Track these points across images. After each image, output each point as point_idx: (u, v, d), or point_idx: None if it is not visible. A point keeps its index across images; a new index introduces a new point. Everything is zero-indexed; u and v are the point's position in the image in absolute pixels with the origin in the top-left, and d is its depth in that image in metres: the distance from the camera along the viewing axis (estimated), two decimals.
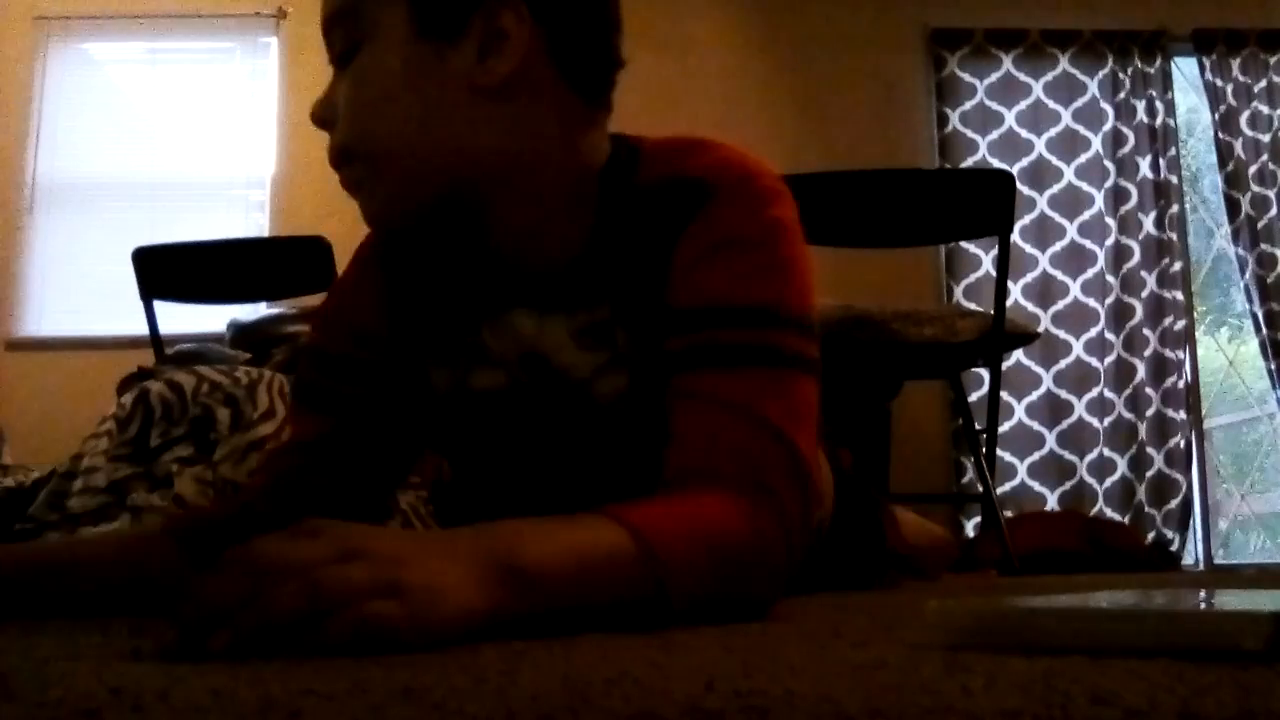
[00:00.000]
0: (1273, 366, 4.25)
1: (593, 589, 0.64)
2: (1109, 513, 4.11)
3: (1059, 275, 4.30)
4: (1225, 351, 4.76)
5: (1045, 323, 4.22)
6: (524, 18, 0.86)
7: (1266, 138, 4.40)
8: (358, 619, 0.52)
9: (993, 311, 2.49)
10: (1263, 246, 4.30)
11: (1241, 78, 4.42)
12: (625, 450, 0.90)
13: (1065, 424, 4.22)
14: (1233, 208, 4.35)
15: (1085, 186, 4.36)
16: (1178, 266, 4.30)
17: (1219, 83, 4.40)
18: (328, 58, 0.91)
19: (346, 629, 0.52)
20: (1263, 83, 4.44)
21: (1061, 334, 4.26)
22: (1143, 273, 4.28)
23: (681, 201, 0.88)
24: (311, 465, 1.02)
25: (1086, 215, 4.34)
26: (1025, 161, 4.35)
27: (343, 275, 1.06)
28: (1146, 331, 4.26)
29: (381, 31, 0.87)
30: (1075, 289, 4.30)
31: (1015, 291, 4.20)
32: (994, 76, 4.42)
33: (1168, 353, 4.23)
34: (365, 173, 0.89)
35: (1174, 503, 4.14)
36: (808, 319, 0.86)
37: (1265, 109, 4.42)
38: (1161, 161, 4.34)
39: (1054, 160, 4.37)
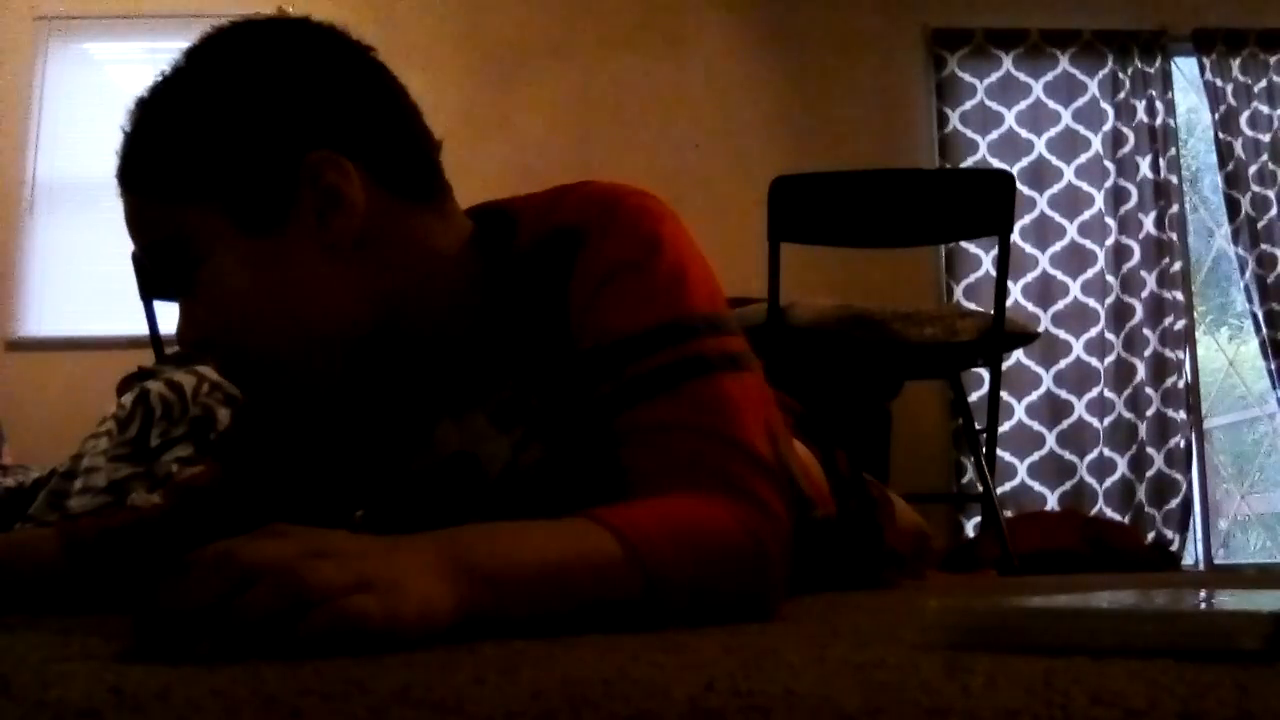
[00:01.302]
0: (1273, 366, 4.25)
1: (568, 587, 0.64)
2: (1109, 513, 4.11)
3: (1059, 275, 4.30)
4: (1225, 351, 4.76)
5: (1045, 323, 4.22)
6: (344, 167, 0.85)
7: (1266, 138, 4.39)
8: (336, 614, 0.52)
9: (993, 311, 2.49)
10: (1263, 246, 4.30)
11: (1241, 78, 4.42)
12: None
13: (1065, 424, 4.21)
14: (1233, 208, 4.35)
15: (1085, 186, 4.35)
16: (1178, 266, 4.30)
17: (1219, 83, 4.40)
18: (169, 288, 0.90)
19: (324, 624, 0.52)
20: (1263, 83, 4.44)
21: (1061, 334, 4.25)
22: (1143, 273, 4.28)
23: (558, 252, 0.88)
24: (210, 502, 1.06)
25: (1086, 215, 4.33)
26: (1025, 161, 4.35)
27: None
28: (1146, 331, 4.25)
29: (209, 245, 0.85)
30: (1075, 289, 4.29)
31: (1015, 291, 4.20)
32: (994, 76, 4.42)
33: (1168, 353, 4.23)
34: (270, 371, 0.88)
35: (1174, 503, 4.14)
36: (718, 316, 0.85)
37: (1265, 109, 4.42)
38: (1161, 161, 4.34)
39: (1054, 160, 4.37)
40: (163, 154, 0.85)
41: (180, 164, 0.85)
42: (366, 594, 0.53)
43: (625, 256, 0.85)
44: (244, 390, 0.95)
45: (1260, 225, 4.31)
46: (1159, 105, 4.38)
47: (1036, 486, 4.17)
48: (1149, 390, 4.22)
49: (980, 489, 2.77)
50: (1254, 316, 4.29)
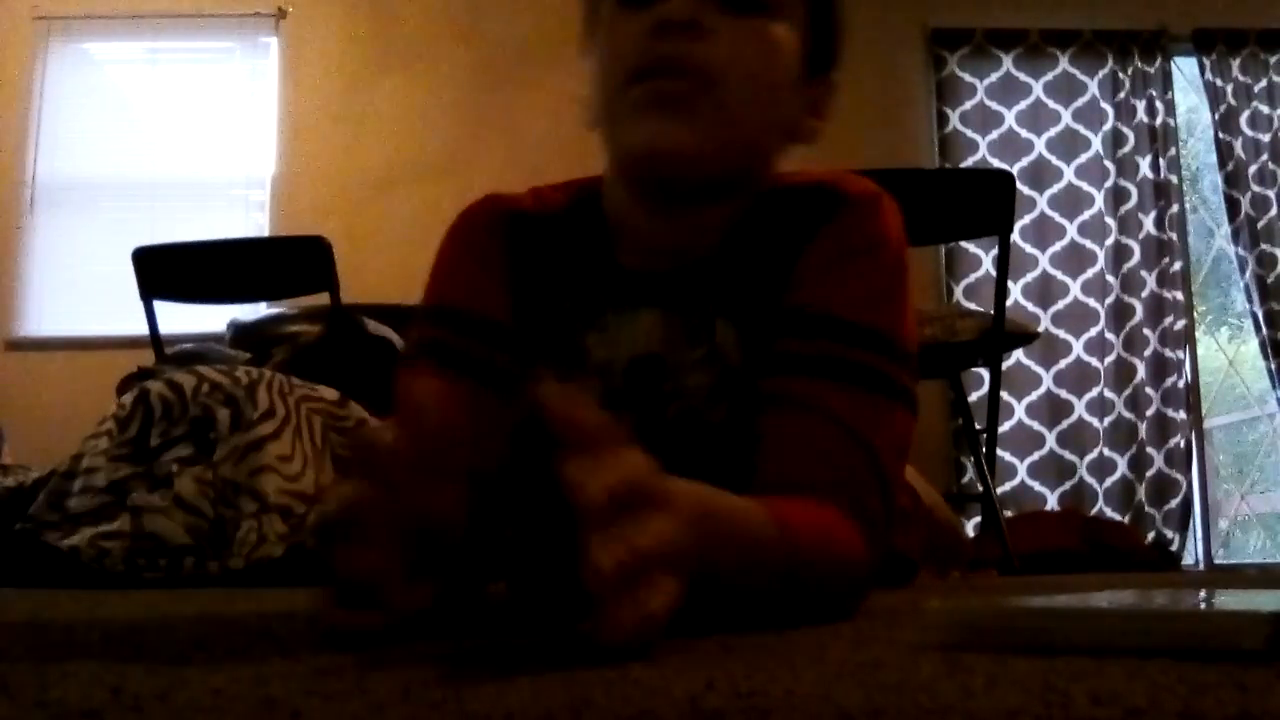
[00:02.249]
0: (1273, 366, 4.25)
1: (739, 590, 0.64)
2: (1109, 513, 4.11)
3: (1059, 275, 4.30)
4: (1225, 351, 4.76)
5: (1045, 323, 4.22)
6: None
7: (1266, 138, 4.40)
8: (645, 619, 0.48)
9: (993, 311, 2.49)
10: (1263, 246, 4.30)
11: (1241, 78, 4.42)
12: (714, 470, 0.89)
13: (1065, 424, 4.22)
14: (1233, 208, 4.35)
15: (1085, 186, 4.35)
16: (1178, 266, 4.30)
17: (1219, 82, 4.40)
18: None
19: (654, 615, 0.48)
20: (1263, 83, 4.44)
21: (1061, 334, 4.26)
22: (1143, 272, 4.28)
23: (812, 207, 0.88)
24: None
25: (1086, 215, 4.34)
26: (1025, 161, 4.35)
27: (453, 263, 0.95)
28: (1146, 331, 4.26)
29: (788, 22, 0.85)
30: (1075, 289, 4.29)
31: (1015, 291, 4.20)
32: (994, 76, 4.42)
33: (1168, 352, 4.23)
34: (712, 103, 0.82)
35: (1174, 503, 4.14)
36: (913, 355, 0.85)
37: (1265, 109, 4.42)
38: (1161, 161, 4.34)
39: (1054, 160, 4.37)
40: None
41: None
42: (656, 591, 0.49)
43: (876, 246, 0.85)
44: (654, 93, 0.82)
45: (1260, 225, 4.31)
46: (1159, 105, 4.38)
47: (1036, 486, 4.17)
48: (1149, 390, 4.22)
49: (980, 489, 2.77)
50: (1254, 316, 4.29)
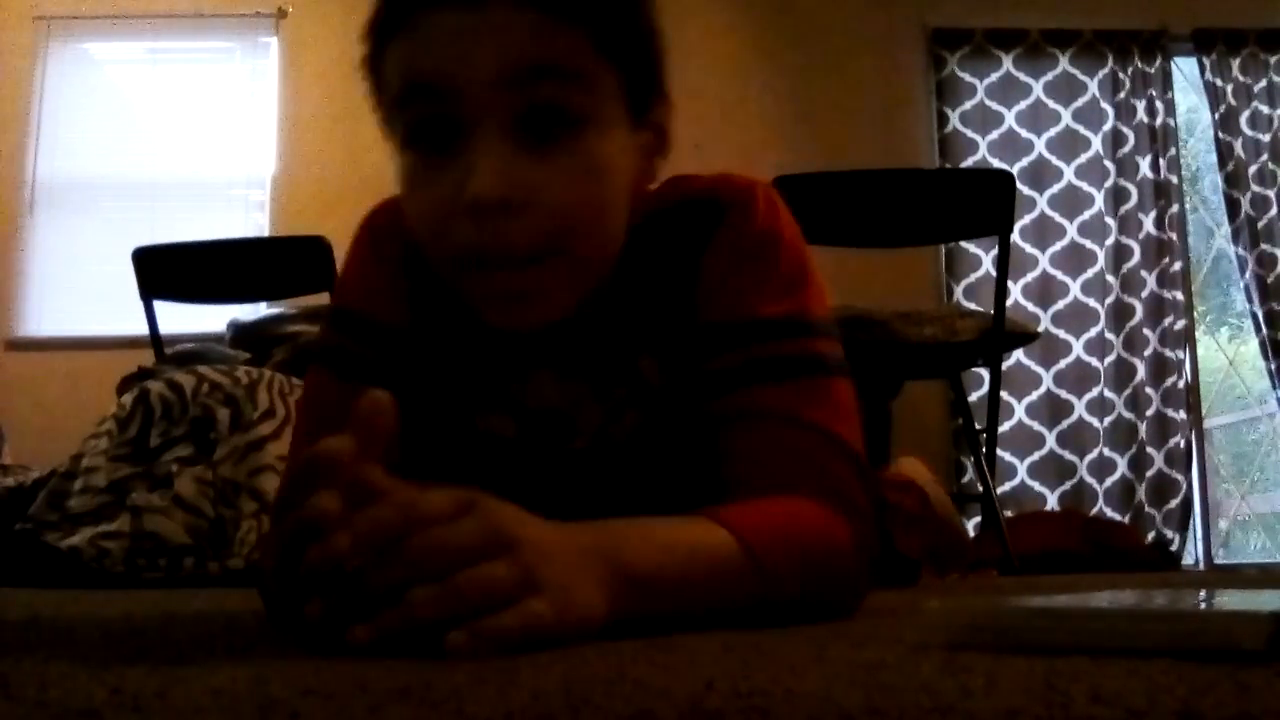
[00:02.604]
0: (1273, 366, 4.25)
1: (699, 591, 0.64)
2: (1109, 513, 4.11)
3: (1059, 275, 4.30)
4: (1225, 351, 4.76)
5: (1045, 323, 4.22)
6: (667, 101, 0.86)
7: (1266, 138, 4.40)
8: (519, 618, 0.52)
9: (993, 311, 2.49)
10: (1263, 246, 4.30)
11: (1241, 78, 4.42)
12: (631, 488, 0.86)
13: (1065, 424, 4.22)
14: (1233, 208, 4.35)
15: (1085, 186, 4.36)
16: (1178, 266, 4.30)
17: (1219, 83, 4.40)
18: (486, 120, 0.73)
19: (508, 628, 0.52)
20: (1263, 83, 4.44)
21: (1061, 334, 4.26)
22: (1143, 272, 4.28)
23: (695, 221, 0.87)
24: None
25: (1086, 215, 4.34)
26: (1025, 161, 4.35)
27: (359, 264, 0.94)
28: (1146, 331, 4.26)
29: (607, 118, 0.77)
30: (1075, 289, 4.30)
31: (1015, 291, 4.20)
32: (994, 76, 4.42)
33: (1168, 353, 4.23)
34: (560, 272, 0.77)
35: (1174, 503, 4.14)
36: (832, 323, 0.86)
37: (1265, 109, 4.42)
38: (1161, 161, 4.34)
39: (1054, 160, 4.37)
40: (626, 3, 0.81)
41: (632, 20, 0.81)
42: (540, 597, 0.53)
43: (766, 243, 0.86)
44: (498, 285, 0.77)
45: (1260, 225, 4.31)
46: (1159, 105, 4.38)
47: (1036, 486, 4.17)
48: (1149, 390, 4.22)
49: (980, 489, 2.77)
50: (1254, 316, 4.30)
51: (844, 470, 0.78)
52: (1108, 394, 4.22)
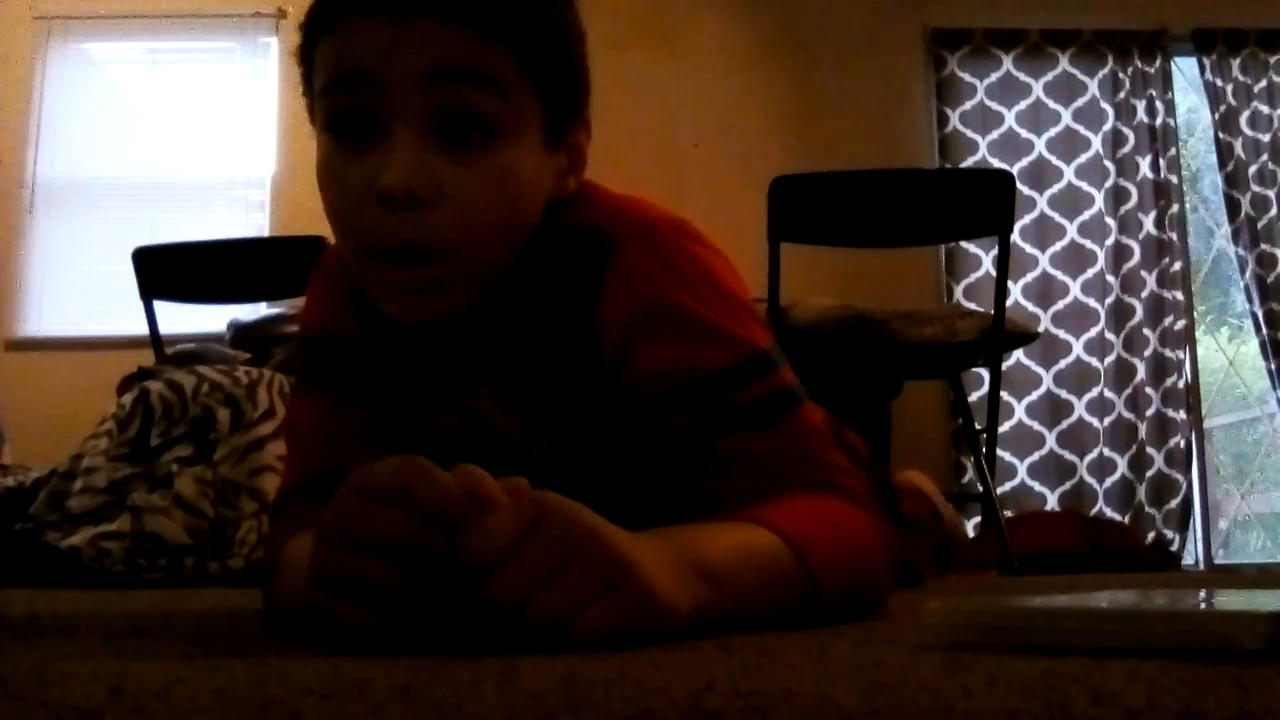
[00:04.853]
0: (1273, 366, 4.25)
1: (762, 591, 0.65)
2: (1109, 513, 4.11)
3: (1059, 275, 4.30)
4: (1225, 351, 4.76)
5: (1045, 323, 4.22)
6: (585, 122, 0.86)
7: (1266, 138, 4.39)
8: (607, 615, 0.54)
9: (993, 311, 2.49)
10: (1263, 246, 4.30)
11: (1241, 78, 4.42)
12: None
13: (1065, 424, 4.22)
14: (1233, 208, 4.35)
15: (1085, 186, 4.35)
16: (1178, 266, 4.30)
17: (1219, 83, 4.40)
18: (405, 116, 0.76)
19: (598, 624, 0.54)
20: (1263, 83, 4.44)
21: (1061, 334, 4.26)
22: (1143, 273, 4.28)
23: (586, 254, 0.84)
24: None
25: (1086, 215, 4.34)
26: (1025, 161, 4.35)
27: (312, 293, 0.99)
28: (1146, 331, 4.25)
29: (522, 132, 0.79)
30: (1075, 289, 4.29)
31: (1015, 291, 4.20)
32: (994, 76, 4.42)
33: (1168, 353, 4.23)
34: (460, 271, 0.80)
35: (1174, 503, 4.14)
36: (775, 346, 0.84)
37: (1265, 109, 4.42)
38: (1161, 161, 4.34)
39: (1054, 160, 4.37)
40: (548, 25, 0.81)
41: (557, 48, 0.82)
42: (625, 593, 0.54)
43: (674, 288, 0.81)
44: (388, 280, 0.80)
45: (1260, 225, 4.31)
46: (1159, 105, 4.38)
47: (1036, 486, 4.17)
48: (1149, 390, 4.22)
49: (980, 489, 2.77)
50: (1254, 316, 4.29)
51: (846, 480, 0.79)
52: (1108, 394, 4.22)
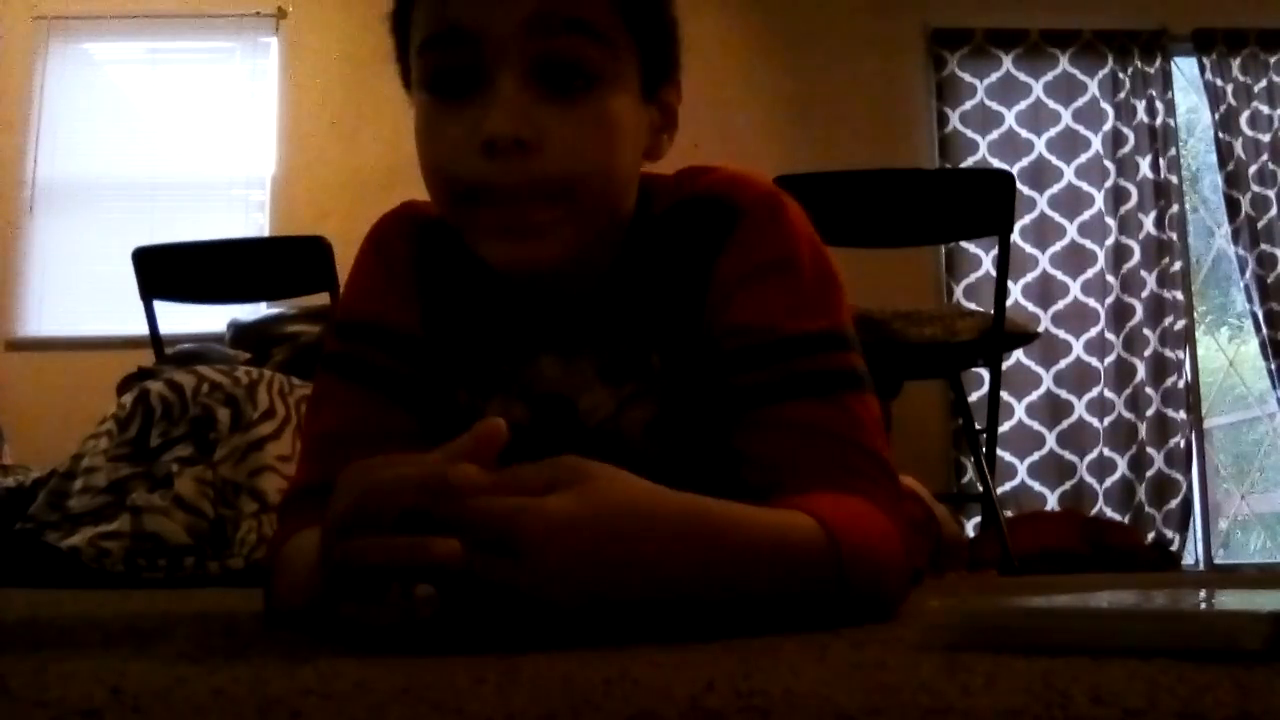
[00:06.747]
0: (1273, 366, 4.25)
1: (785, 574, 0.66)
2: (1109, 513, 4.11)
3: (1059, 275, 4.30)
4: (1225, 351, 4.76)
5: (1045, 323, 4.22)
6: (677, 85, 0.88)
7: (1266, 138, 4.39)
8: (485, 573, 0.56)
9: (993, 311, 2.49)
10: (1263, 246, 4.30)
11: (1241, 78, 4.42)
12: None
13: (1065, 424, 4.21)
14: (1233, 208, 4.35)
15: (1085, 186, 4.35)
16: (1178, 266, 4.30)
17: (1219, 83, 4.40)
18: (506, 68, 0.77)
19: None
20: (1263, 83, 4.44)
21: (1061, 334, 4.26)
22: (1143, 273, 4.28)
23: (709, 222, 0.87)
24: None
25: (1086, 215, 4.34)
26: (1025, 161, 4.35)
27: (366, 273, 0.95)
28: (1146, 331, 4.25)
29: (621, 81, 0.81)
30: (1075, 289, 4.29)
31: (1015, 291, 4.20)
32: (994, 76, 4.42)
33: (1168, 353, 4.23)
34: (563, 215, 0.80)
35: (1174, 503, 4.14)
36: (856, 335, 0.86)
37: (1265, 109, 4.42)
38: (1161, 161, 4.34)
39: (1054, 160, 4.37)
40: None
41: (654, 1, 0.84)
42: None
43: (789, 254, 0.85)
44: (507, 219, 0.79)
45: (1260, 225, 4.31)
46: (1159, 105, 4.38)
47: (1036, 486, 4.17)
48: (1149, 390, 4.22)
49: (980, 489, 2.77)
50: (1254, 316, 4.29)
51: (886, 484, 0.79)
52: (1108, 394, 4.22)
